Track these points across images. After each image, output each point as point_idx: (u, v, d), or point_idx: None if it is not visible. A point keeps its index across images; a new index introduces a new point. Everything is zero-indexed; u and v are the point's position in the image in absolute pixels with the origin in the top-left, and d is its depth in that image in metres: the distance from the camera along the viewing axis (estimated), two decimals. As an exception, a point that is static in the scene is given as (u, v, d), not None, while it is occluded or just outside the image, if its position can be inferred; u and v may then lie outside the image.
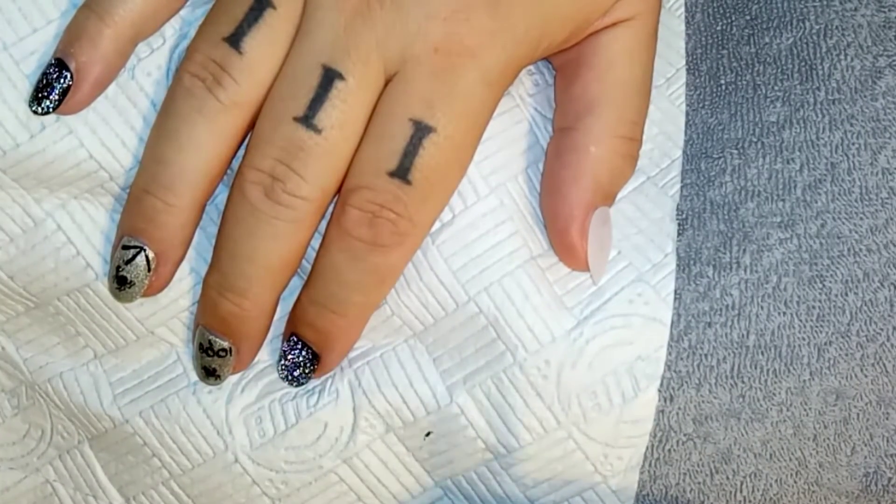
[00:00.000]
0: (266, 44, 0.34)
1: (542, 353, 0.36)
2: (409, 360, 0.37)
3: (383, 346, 0.37)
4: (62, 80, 0.34)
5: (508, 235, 0.36)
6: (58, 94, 0.35)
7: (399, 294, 0.37)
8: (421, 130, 0.33)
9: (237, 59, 0.33)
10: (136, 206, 0.35)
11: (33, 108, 0.35)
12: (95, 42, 0.34)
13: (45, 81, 0.34)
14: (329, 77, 0.33)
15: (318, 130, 0.33)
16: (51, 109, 0.35)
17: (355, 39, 0.33)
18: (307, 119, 0.33)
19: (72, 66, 0.34)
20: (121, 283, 0.35)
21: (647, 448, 0.37)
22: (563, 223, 0.36)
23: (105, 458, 0.40)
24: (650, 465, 0.37)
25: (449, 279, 0.36)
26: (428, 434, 0.37)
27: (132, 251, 0.35)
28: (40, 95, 0.35)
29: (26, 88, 0.35)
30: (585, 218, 0.36)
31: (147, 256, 0.35)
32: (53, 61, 0.35)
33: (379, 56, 0.33)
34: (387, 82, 0.34)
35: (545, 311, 0.36)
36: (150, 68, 0.36)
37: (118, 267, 0.35)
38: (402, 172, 0.33)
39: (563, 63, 0.37)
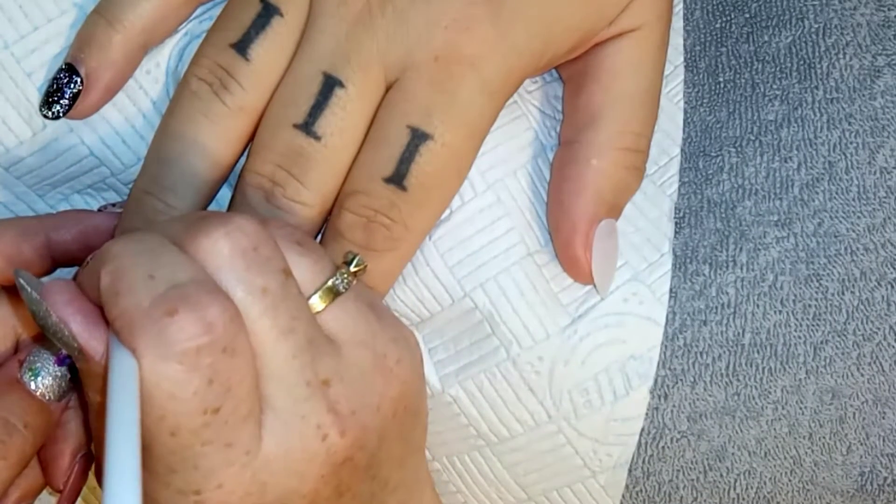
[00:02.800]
0: (272, 51, 0.34)
1: (535, 350, 0.36)
2: None
3: None
4: (72, 86, 0.35)
5: (505, 231, 0.37)
6: (68, 99, 0.35)
7: (395, 289, 0.37)
8: (418, 137, 0.33)
9: (244, 65, 0.34)
10: (137, 206, 0.35)
11: (44, 113, 0.35)
12: (105, 48, 0.35)
13: (55, 86, 0.35)
14: (329, 84, 0.33)
15: (317, 137, 0.33)
16: (61, 114, 0.35)
17: (356, 47, 0.33)
18: (307, 126, 0.33)
19: (82, 71, 0.35)
20: None
21: (641, 444, 0.37)
22: (566, 236, 0.36)
23: None
24: (644, 461, 0.38)
25: (445, 275, 0.37)
26: None
27: None
28: (51, 100, 0.35)
29: (28, 86, 0.36)
30: (589, 231, 0.35)
31: None
32: (64, 66, 0.35)
33: (379, 64, 0.33)
34: (387, 90, 0.34)
35: (540, 308, 0.36)
36: (149, 66, 0.36)
37: None
38: (397, 178, 0.34)
39: (571, 75, 0.37)
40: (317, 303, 0.31)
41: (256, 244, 0.29)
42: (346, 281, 0.31)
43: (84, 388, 0.31)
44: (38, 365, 0.34)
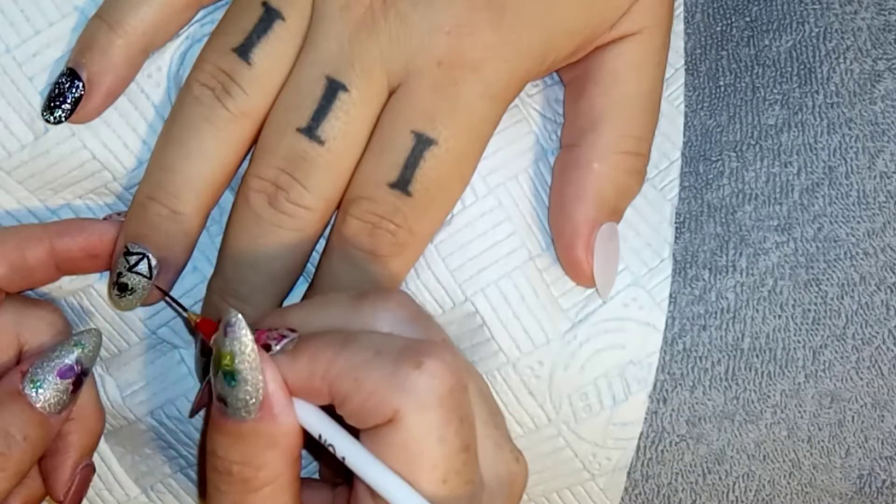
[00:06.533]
0: (274, 55, 0.34)
1: (535, 354, 0.36)
2: None
3: None
4: (74, 90, 0.35)
5: (506, 236, 0.37)
6: (70, 104, 0.35)
7: (397, 293, 0.37)
8: (422, 143, 0.33)
9: (246, 70, 0.34)
10: (141, 212, 0.35)
11: (46, 117, 0.35)
12: (106, 52, 0.35)
13: (57, 91, 0.35)
14: (333, 88, 0.33)
15: (320, 141, 0.33)
16: (63, 119, 0.35)
17: (360, 51, 0.33)
18: (310, 130, 0.33)
19: (83, 75, 0.35)
20: (121, 290, 0.35)
21: (640, 448, 0.38)
22: (568, 240, 0.36)
23: (120, 452, 0.41)
24: (643, 464, 0.38)
25: (447, 279, 0.37)
26: None
27: (135, 258, 0.35)
28: (53, 105, 0.35)
29: (29, 90, 0.36)
30: (590, 234, 0.36)
31: (150, 263, 0.35)
32: (66, 71, 0.35)
33: (382, 68, 0.33)
34: (390, 94, 0.34)
35: (541, 313, 0.36)
36: (150, 70, 0.36)
37: (119, 273, 0.35)
38: (402, 184, 0.34)
39: (572, 78, 0.37)
40: None
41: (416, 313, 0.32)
42: None
43: (229, 445, 0.31)
44: (41, 377, 0.34)
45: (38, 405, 0.34)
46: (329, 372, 0.30)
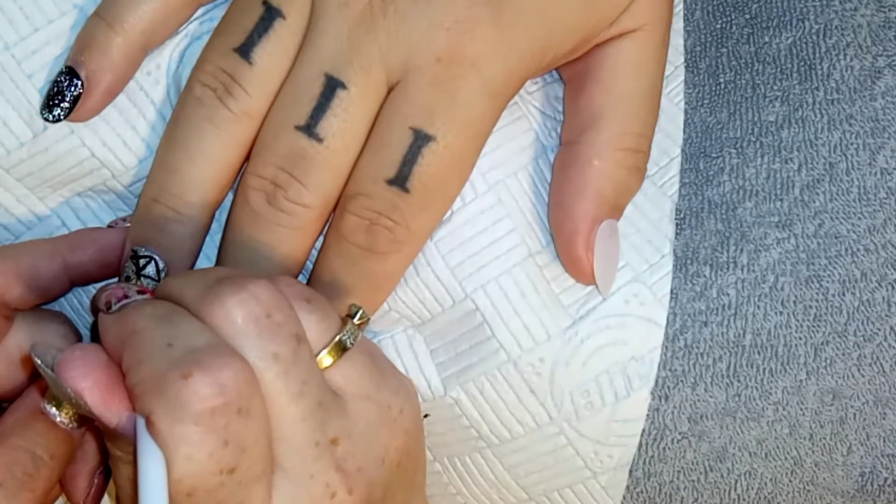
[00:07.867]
0: (275, 54, 0.34)
1: (536, 351, 0.36)
2: (407, 350, 0.38)
3: (381, 334, 0.38)
4: (73, 89, 0.35)
5: (506, 233, 0.37)
6: (69, 102, 0.35)
7: (396, 290, 0.37)
8: (420, 139, 0.33)
9: (247, 70, 0.34)
10: (146, 215, 0.35)
11: (45, 116, 0.35)
12: (105, 51, 0.35)
13: (56, 89, 0.35)
14: (331, 86, 0.33)
15: (319, 139, 0.33)
16: (62, 117, 0.35)
17: (358, 48, 0.33)
18: (309, 128, 0.33)
19: (82, 74, 0.35)
20: None
21: (642, 446, 0.37)
22: (568, 237, 0.36)
23: None
24: (644, 462, 0.38)
25: (446, 276, 0.37)
26: (425, 416, 0.38)
27: (143, 261, 0.35)
28: (52, 103, 0.35)
29: (28, 88, 0.36)
30: (590, 231, 0.36)
31: (158, 266, 0.35)
32: (64, 69, 0.35)
33: (381, 65, 0.33)
34: (389, 91, 0.34)
35: (541, 310, 0.36)
36: (149, 68, 0.36)
37: (128, 277, 0.35)
38: (400, 180, 0.33)
39: (572, 75, 0.37)
40: (325, 358, 0.32)
41: (269, 311, 0.30)
42: (353, 335, 0.32)
43: (105, 439, 0.32)
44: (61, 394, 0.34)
45: (60, 422, 0.33)
46: (127, 342, 0.29)
